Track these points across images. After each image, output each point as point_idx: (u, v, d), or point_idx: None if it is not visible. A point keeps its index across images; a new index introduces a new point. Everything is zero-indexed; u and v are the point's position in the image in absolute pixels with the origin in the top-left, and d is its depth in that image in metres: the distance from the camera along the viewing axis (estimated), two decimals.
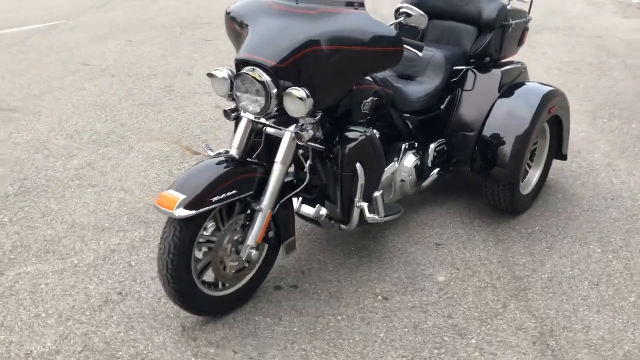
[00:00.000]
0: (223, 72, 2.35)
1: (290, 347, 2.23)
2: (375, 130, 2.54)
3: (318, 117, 2.30)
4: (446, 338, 2.29)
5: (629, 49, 6.67)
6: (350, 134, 2.37)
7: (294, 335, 2.29)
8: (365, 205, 2.38)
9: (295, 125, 2.27)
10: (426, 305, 2.47)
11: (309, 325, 2.34)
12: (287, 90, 2.15)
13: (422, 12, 2.40)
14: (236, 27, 2.47)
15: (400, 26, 2.54)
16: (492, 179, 2.96)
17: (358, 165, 2.33)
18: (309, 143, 2.33)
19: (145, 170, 3.65)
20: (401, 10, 2.42)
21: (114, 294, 2.51)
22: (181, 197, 2.08)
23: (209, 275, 2.33)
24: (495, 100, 2.98)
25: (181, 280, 2.16)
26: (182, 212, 2.06)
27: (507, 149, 2.86)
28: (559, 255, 2.84)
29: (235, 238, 2.29)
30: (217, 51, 6.43)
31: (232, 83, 2.33)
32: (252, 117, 2.36)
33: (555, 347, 2.24)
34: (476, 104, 3.02)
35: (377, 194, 2.39)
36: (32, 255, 2.77)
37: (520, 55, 3.49)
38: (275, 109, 2.24)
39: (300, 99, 2.12)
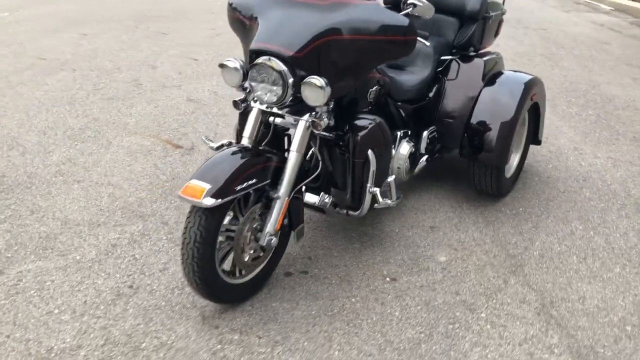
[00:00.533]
0: (235, 63, 2.37)
1: (312, 330, 2.29)
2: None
3: (331, 105, 2.37)
4: (458, 314, 2.41)
5: (574, 41, 7.06)
6: (360, 122, 2.44)
7: (314, 319, 2.35)
8: (377, 190, 2.46)
9: (309, 114, 2.32)
10: (433, 284, 2.59)
11: (326, 308, 2.41)
12: (307, 79, 2.20)
13: (429, 4, 2.50)
14: (243, 18, 2.49)
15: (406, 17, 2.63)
16: (480, 163, 3.11)
17: (370, 152, 2.41)
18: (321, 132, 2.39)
19: (130, 164, 3.59)
20: (409, 1, 2.51)
21: (124, 287, 2.49)
22: (207, 186, 2.09)
23: (226, 264, 2.36)
24: (481, 89, 3.13)
25: (206, 269, 2.18)
26: (209, 201, 2.08)
27: (494, 134, 3.01)
28: (545, 233, 3.02)
29: (255, 226, 2.32)
30: (177, 44, 6.35)
31: (244, 73, 2.36)
32: (263, 107, 2.40)
33: (558, 317, 2.41)
34: (462, 92, 3.16)
35: (390, 179, 2.48)
36: (30, 253, 2.69)
37: None
38: (291, 98, 2.28)
39: (320, 87, 2.17)
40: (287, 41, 2.22)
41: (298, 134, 2.33)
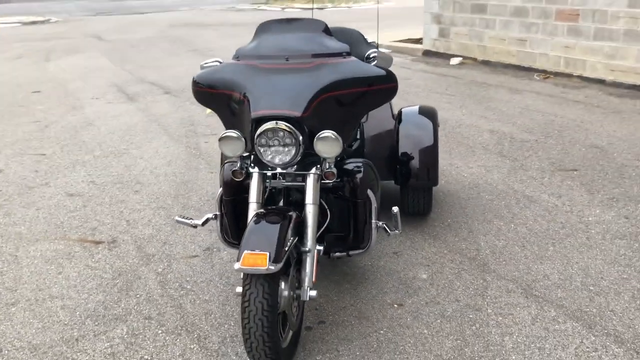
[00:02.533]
0: (236, 133, 2.41)
1: None
2: None
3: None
4: (471, 315, 2.71)
5: None
6: (352, 166, 2.64)
7: (363, 358, 2.45)
8: (382, 223, 2.67)
9: (315, 167, 2.46)
10: (434, 298, 2.86)
11: (366, 347, 2.52)
12: (320, 135, 2.34)
13: (388, 55, 2.82)
14: (219, 91, 2.55)
15: None
16: (414, 187, 3.49)
17: (369, 191, 2.62)
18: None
19: (59, 272, 3.24)
20: (371, 55, 2.80)
21: None
22: (266, 253, 2.11)
23: None
24: (397, 126, 3.54)
25: (274, 337, 2.16)
26: (274, 266, 2.09)
27: (425, 160, 3.43)
28: (481, 234, 3.50)
29: (295, 284, 2.36)
30: (8, 142, 5.75)
31: (246, 142, 2.41)
32: (268, 172, 2.47)
33: (541, 296, 2.85)
34: (380, 131, 3.55)
35: (395, 209, 2.70)
36: None
37: None
38: (300, 157, 2.40)
39: (336, 139, 2.34)
40: (291, 104, 2.35)
41: (310, 187, 2.44)
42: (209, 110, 3.66)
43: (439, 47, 9.48)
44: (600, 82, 7.10)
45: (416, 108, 3.76)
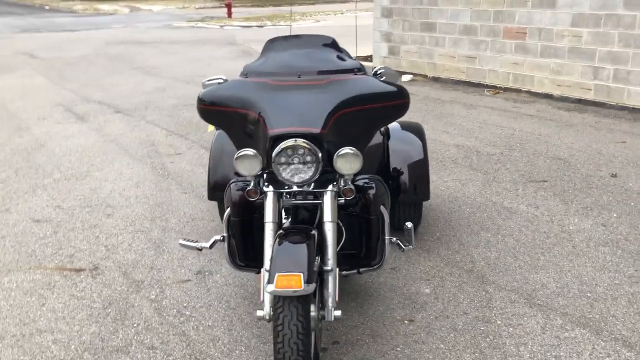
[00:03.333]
0: (253, 151, 2.34)
1: None
2: None
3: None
4: (482, 328, 2.73)
5: None
6: (364, 183, 2.61)
7: None
8: (397, 239, 2.66)
9: (332, 185, 2.42)
10: (442, 312, 2.87)
11: None
12: (341, 152, 2.31)
13: (394, 71, 2.83)
14: (231, 109, 2.48)
15: None
16: (405, 202, 3.50)
17: (382, 207, 2.61)
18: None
19: (43, 304, 3.03)
20: (379, 71, 2.79)
21: None
22: (299, 274, 2.04)
23: None
24: (386, 143, 3.54)
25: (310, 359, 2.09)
26: (309, 287, 2.04)
27: (416, 175, 3.45)
28: (473, 247, 3.56)
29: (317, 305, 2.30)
30: None
31: (262, 160, 2.35)
32: (282, 190, 2.42)
33: (543, 304, 2.92)
34: (369, 148, 3.55)
35: (409, 225, 2.68)
36: None
37: None
38: (318, 175, 2.36)
39: (357, 156, 2.31)
40: (309, 121, 2.32)
41: (328, 205, 2.40)
42: (211, 128, 3.55)
43: (389, 65, 9.66)
44: (548, 96, 7.44)
45: (400, 124, 3.79)
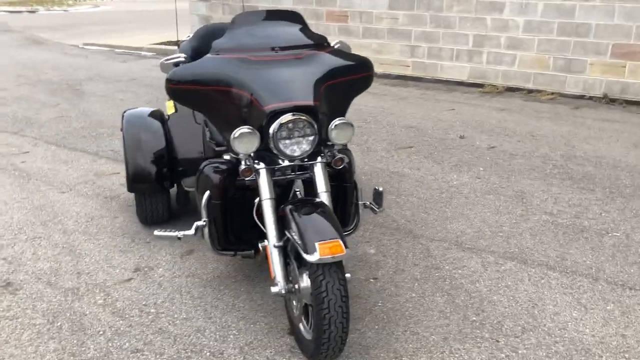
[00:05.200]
0: (250, 128, 2.30)
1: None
2: None
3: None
4: (437, 274, 3.05)
5: None
6: (339, 153, 2.69)
7: (384, 330, 2.59)
8: (370, 203, 2.81)
9: (321, 155, 2.49)
10: (396, 267, 3.12)
11: (377, 320, 2.66)
12: (337, 122, 2.39)
13: (347, 44, 2.91)
14: (210, 88, 2.39)
15: None
16: None
17: (355, 175, 2.74)
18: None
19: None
20: (336, 46, 2.84)
21: None
22: (337, 239, 2.11)
23: None
24: None
25: (349, 323, 2.17)
26: (347, 251, 2.12)
27: None
28: (387, 208, 3.86)
29: None
30: None
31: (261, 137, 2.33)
32: (275, 166, 2.44)
33: (471, 247, 3.35)
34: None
35: (380, 189, 2.82)
36: None
37: None
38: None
39: (352, 126, 2.41)
40: (303, 94, 2.35)
41: (321, 176, 2.47)
42: (171, 110, 3.24)
43: None
44: None
45: None
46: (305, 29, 2.65)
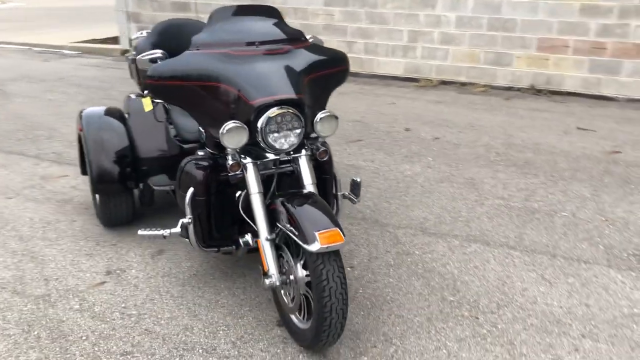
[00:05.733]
0: (239, 123, 2.31)
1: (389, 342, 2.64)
2: None
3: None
4: (410, 259, 3.17)
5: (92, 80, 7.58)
6: (321, 146, 2.72)
7: (369, 314, 2.67)
8: (349, 193, 2.87)
9: (305, 148, 2.53)
10: (370, 254, 3.21)
11: (362, 307, 2.74)
12: (323, 115, 2.44)
13: (319, 38, 2.93)
14: (193, 83, 2.38)
15: None
16: None
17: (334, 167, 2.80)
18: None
19: None
20: (310, 40, 2.86)
21: None
22: (335, 228, 2.16)
23: None
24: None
25: (347, 309, 2.23)
26: (345, 239, 2.17)
27: None
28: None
29: None
30: None
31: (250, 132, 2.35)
32: (263, 160, 2.46)
33: (435, 232, 3.49)
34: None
35: (358, 179, 2.88)
36: None
37: None
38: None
39: (337, 118, 2.47)
40: (288, 87, 2.38)
41: (306, 168, 2.51)
42: (148, 107, 3.11)
43: None
44: None
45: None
46: (282, 23, 2.68)
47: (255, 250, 2.71)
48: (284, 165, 2.60)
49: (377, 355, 2.41)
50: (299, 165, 2.52)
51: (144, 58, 2.67)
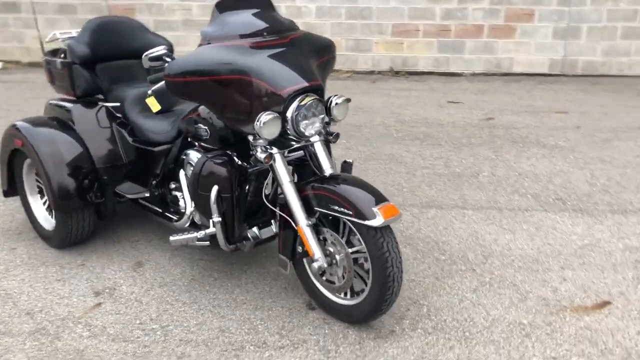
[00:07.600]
0: (273, 113, 2.30)
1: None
2: None
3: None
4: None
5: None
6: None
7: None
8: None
9: (319, 133, 2.58)
10: None
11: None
12: (338, 100, 2.52)
13: None
14: (214, 78, 2.31)
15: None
16: None
17: None
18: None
19: None
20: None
21: None
22: (390, 202, 2.29)
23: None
24: None
25: None
26: (400, 212, 2.31)
27: None
28: None
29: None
30: None
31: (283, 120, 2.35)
32: (287, 149, 2.49)
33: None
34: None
35: (350, 160, 2.93)
36: None
37: None
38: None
39: (349, 101, 2.56)
40: (310, 75, 2.42)
41: (323, 153, 2.57)
42: (156, 108, 2.73)
43: None
44: None
45: None
46: (278, 13, 2.68)
47: (261, 243, 2.73)
48: (292, 154, 2.65)
49: (416, 316, 2.59)
50: (315, 150, 2.58)
51: (151, 56, 2.50)
